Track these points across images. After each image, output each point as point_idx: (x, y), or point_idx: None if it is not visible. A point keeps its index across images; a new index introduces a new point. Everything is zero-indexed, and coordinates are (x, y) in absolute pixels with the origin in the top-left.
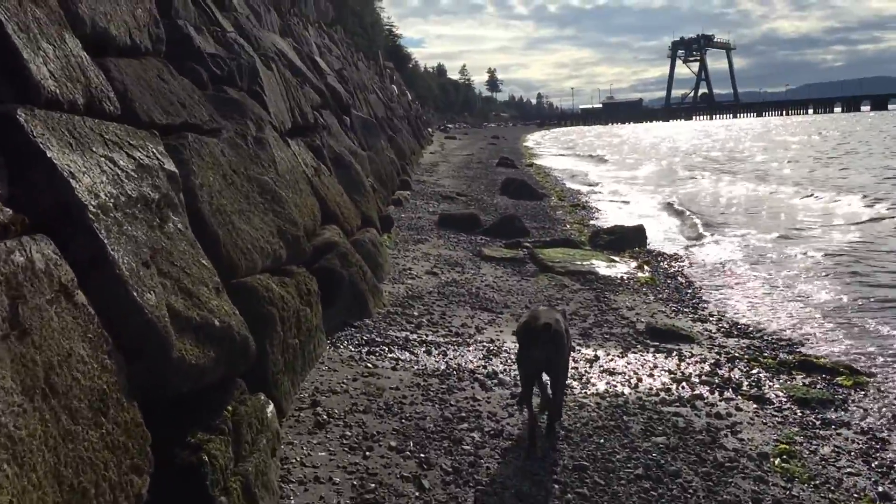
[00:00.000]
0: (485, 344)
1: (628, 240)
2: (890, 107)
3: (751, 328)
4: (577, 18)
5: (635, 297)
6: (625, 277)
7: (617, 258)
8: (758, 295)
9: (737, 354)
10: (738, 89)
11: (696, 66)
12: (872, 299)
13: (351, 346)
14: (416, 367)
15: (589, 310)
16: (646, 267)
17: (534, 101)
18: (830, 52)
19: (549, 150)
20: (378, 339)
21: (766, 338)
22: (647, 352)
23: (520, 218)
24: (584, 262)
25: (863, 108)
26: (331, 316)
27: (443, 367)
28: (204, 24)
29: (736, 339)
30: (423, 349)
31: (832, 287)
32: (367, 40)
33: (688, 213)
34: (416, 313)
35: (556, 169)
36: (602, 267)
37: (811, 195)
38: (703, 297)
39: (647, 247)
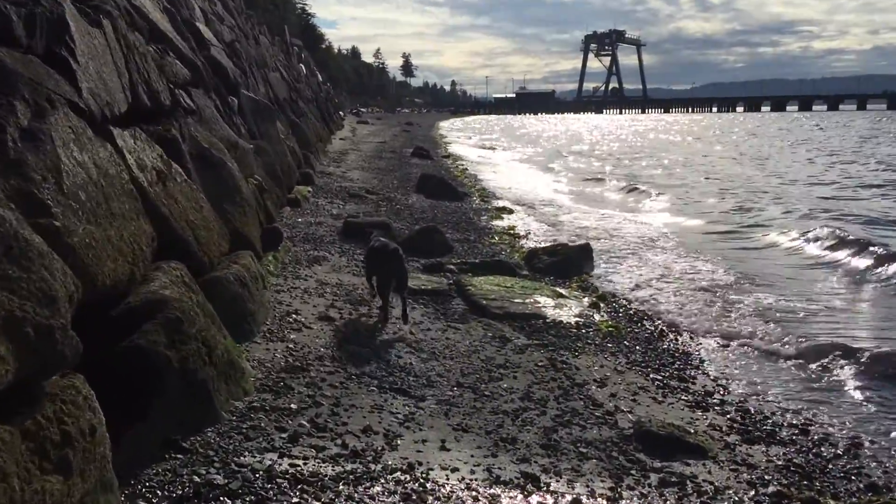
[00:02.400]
0: (400, 478)
1: (573, 263)
2: (788, 108)
3: (775, 418)
4: (492, 7)
5: (602, 359)
6: (581, 323)
7: (564, 291)
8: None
9: (783, 487)
10: (647, 85)
11: (607, 61)
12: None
13: None
14: None
15: (545, 387)
16: (601, 305)
17: (448, 89)
18: (732, 54)
19: (464, 139)
20: (218, 478)
21: (803, 443)
22: (649, 485)
23: (440, 230)
24: (527, 300)
25: (763, 108)
26: (140, 437)
27: None
28: None
29: (763, 447)
30: (296, 499)
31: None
32: (277, 17)
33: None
34: (293, 405)
35: (475, 162)
36: (549, 306)
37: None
38: (685, 354)
39: (594, 270)
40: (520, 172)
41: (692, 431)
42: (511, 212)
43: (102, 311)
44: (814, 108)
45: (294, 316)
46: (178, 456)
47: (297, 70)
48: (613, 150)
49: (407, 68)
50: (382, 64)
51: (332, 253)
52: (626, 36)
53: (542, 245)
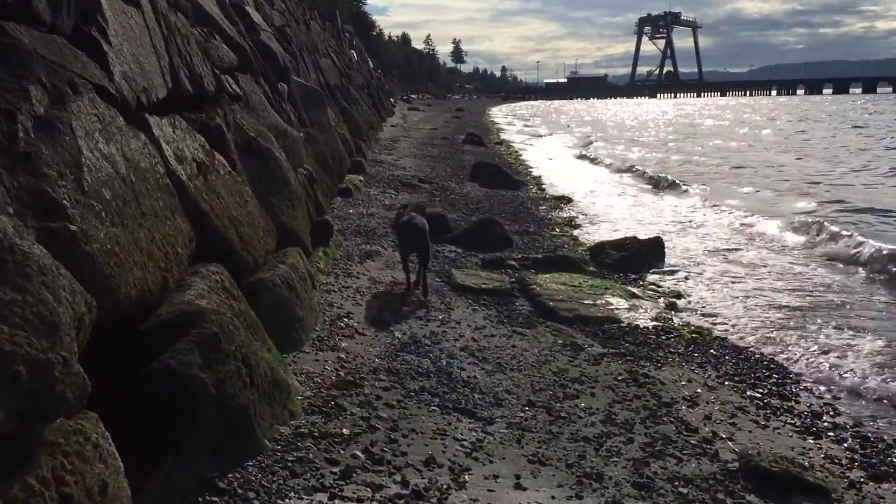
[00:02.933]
0: None
1: (644, 258)
2: (851, 90)
3: None
4: None
5: (688, 371)
6: (659, 328)
7: (637, 290)
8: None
9: None
10: (703, 68)
11: (661, 44)
12: None
13: None
14: None
15: (630, 408)
16: (678, 305)
17: (498, 74)
18: (792, 35)
19: (517, 125)
20: None
21: None
22: None
23: (498, 222)
24: (598, 301)
25: (825, 91)
26: (171, 475)
27: None
28: None
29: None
30: None
31: None
32: (328, 3)
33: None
34: (346, 430)
35: (528, 149)
36: (623, 308)
37: None
38: (781, 366)
39: (667, 265)
40: (575, 161)
41: (808, 466)
42: (570, 201)
43: (129, 325)
44: (878, 90)
45: (346, 320)
46: (214, 499)
47: (349, 56)
48: (669, 138)
49: (457, 54)
50: (433, 50)
51: (385, 247)
52: (682, 18)
53: (608, 238)
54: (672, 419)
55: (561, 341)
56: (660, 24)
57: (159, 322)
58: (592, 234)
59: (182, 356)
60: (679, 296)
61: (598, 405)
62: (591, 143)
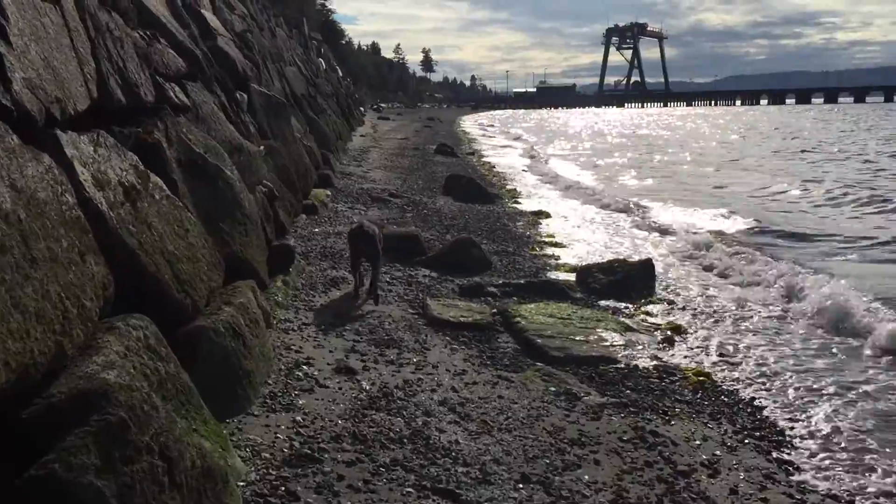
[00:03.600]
0: None
1: (634, 283)
2: (813, 101)
3: None
4: (511, 2)
5: (700, 426)
6: (661, 369)
7: (631, 321)
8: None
9: None
10: (669, 78)
11: (629, 54)
12: None
13: None
14: None
15: (642, 479)
16: (676, 340)
17: (468, 83)
18: (754, 46)
19: (487, 134)
20: None
21: None
22: None
23: (476, 243)
24: (590, 336)
25: (787, 101)
26: None
27: None
28: None
29: None
30: None
31: None
32: (296, 11)
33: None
34: None
35: (500, 159)
36: (618, 345)
37: None
38: (803, 411)
39: (658, 289)
40: (550, 169)
41: None
42: (548, 216)
43: (8, 410)
44: (840, 100)
45: (305, 368)
46: None
47: (316, 64)
48: (641, 144)
49: (427, 63)
50: (402, 59)
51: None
52: (648, 29)
53: (593, 260)
54: (693, 495)
55: (554, 388)
56: (627, 35)
57: (47, 407)
58: (574, 252)
59: (73, 457)
60: (677, 329)
61: (605, 477)
62: (567, 151)
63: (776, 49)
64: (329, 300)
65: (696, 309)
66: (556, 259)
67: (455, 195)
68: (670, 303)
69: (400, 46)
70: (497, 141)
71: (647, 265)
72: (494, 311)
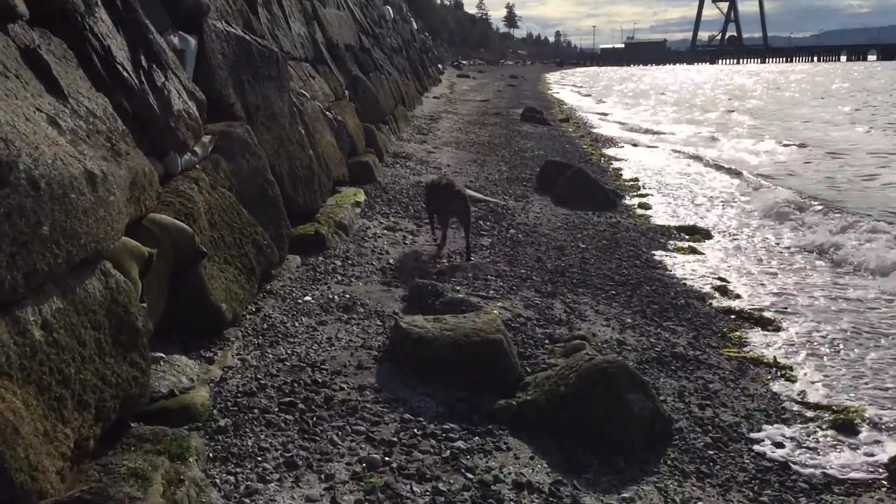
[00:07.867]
0: None
1: None
2: None
3: None
4: None
5: None
6: None
7: None
8: None
9: None
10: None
11: (724, 7)
12: None
13: None
14: None
15: None
16: None
17: (552, 40)
18: None
19: (579, 96)
20: None
21: None
22: None
23: (636, 380)
24: None
25: None
26: None
27: None
28: None
29: None
30: None
31: None
32: None
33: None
34: None
35: (600, 130)
36: None
37: None
38: None
39: None
40: (662, 150)
41: None
42: (707, 235)
43: None
44: None
45: None
46: None
47: (380, 11)
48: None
49: (510, 19)
50: (485, 14)
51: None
52: None
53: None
54: None
55: None
56: None
57: None
58: (810, 369)
59: None
60: None
61: None
62: (679, 122)
63: (881, 1)
64: None
65: None
66: (791, 383)
67: (555, 195)
68: None
69: (483, 1)
70: (590, 103)
71: None
72: None
